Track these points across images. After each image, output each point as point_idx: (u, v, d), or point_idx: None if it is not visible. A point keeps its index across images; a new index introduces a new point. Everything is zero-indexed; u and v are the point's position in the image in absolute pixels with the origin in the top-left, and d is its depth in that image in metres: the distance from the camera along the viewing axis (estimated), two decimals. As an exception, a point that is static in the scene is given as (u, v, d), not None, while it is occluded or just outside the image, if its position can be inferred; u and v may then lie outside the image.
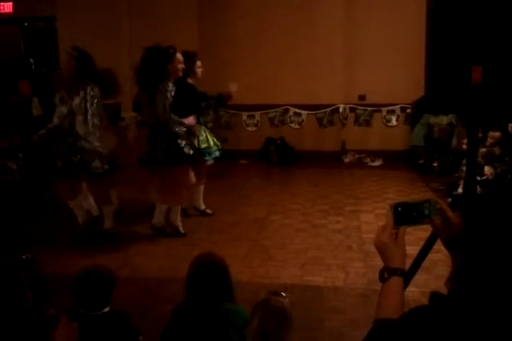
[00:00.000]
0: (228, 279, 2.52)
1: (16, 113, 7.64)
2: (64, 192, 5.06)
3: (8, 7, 9.83)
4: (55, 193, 5.29)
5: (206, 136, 5.49)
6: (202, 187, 5.75)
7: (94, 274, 2.51)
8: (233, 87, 6.05)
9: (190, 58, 5.23)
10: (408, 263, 1.56)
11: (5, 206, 6.38)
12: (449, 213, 1.43)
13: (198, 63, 5.39)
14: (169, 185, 4.90)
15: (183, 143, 4.91)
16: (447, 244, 1.44)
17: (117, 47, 8.49)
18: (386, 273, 1.38)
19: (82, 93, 4.88)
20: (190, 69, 5.21)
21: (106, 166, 4.98)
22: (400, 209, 1.42)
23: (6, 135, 7.65)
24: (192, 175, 5.15)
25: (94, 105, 4.89)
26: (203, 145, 5.42)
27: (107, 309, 2.49)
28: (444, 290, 1.16)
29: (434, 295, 1.12)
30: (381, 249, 1.40)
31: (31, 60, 8.68)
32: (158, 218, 5.19)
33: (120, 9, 8.73)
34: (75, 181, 5.04)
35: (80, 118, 4.90)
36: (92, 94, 4.87)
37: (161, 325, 2.64)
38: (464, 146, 6.43)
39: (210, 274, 2.45)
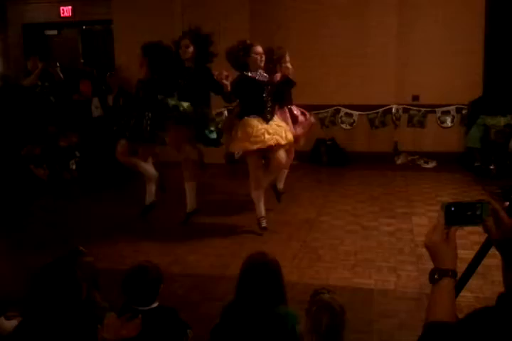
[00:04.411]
0: (281, 280, 2.52)
1: (75, 112, 7.91)
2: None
3: (67, 11, 10.18)
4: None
5: None
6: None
7: (141, 270, 2.57)
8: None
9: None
10: (462, 267, 1.53)
11: (63, 203, 6.63)
12: (502, 214, 1.39)
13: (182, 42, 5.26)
14: None
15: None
16: (499, 246, 1.41)
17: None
18: (437, 274, 1.35)
19: None
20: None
21: None
22: (452, 208, 1.39)
23: (65, 134, 7.93)
24: None
25: None
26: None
27: (155, 304, 2.55)
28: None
29: (502, 296, 1.10)
30: (432, 250, 1.38)
31: (95, 70, 8.98)
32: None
33: (173, 12, 8.88)
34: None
35: None
36: None
37: (210, 321, 2.69)
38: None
39: (263, 275, 2.45)
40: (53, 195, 7.02)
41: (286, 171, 6.03)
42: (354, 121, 8.79)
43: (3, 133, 7.37)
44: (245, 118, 5.09)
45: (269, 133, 5.01)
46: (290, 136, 5.25)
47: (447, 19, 8.17)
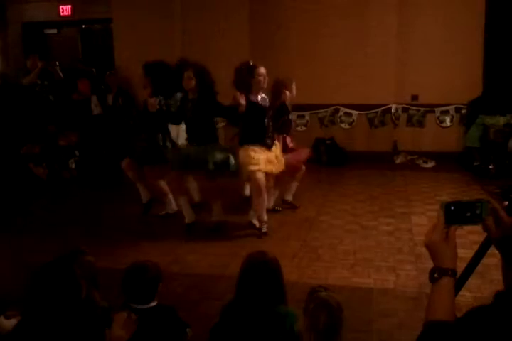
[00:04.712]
0: (281, 279, 2.52)
1: (75, 111, 7.91)
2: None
3: (67, 10, 10.17)
4: None
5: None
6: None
7: (140, 268, 2.58)
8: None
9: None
10: (462, 267, 1.54)
11: (62, 202, 6.63)
12: (502, 213, 1.40)
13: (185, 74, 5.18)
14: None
15: None
16: (498, 244, 1.42)
17: (170, 49, 8.65)
18: (436, 273, 1.36)
19: None
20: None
21: None
22: (452, 208, 1.39)
23: (64, 133, 7.93)
24: None
25: None
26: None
27: (154, 303, 2.55)
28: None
29: (499, 294, 1.10)
30: (431, 249, 1.38)
31: (94, 69, 8.98)
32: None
33: (173, 11, 8.89)
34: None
35: None
36: None
37: (209, 321, 2.69)
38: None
39: (263, 274, 2.45)
40: (53, 194, 7.02)
41: (296, 184, 6.04)
42: (353, 121, 8.79)
43: (2, 132, 7.37)
44: (245, 146, 5.12)
45: (270, 163, 5.15)
46: (283, 165, 5.36)
47: (447, 19, 8.17)
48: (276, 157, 5.29)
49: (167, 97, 5.49)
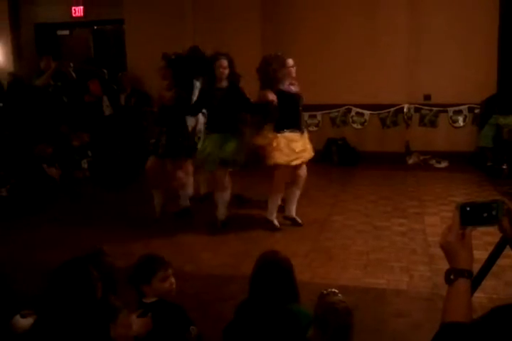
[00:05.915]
0: (293, 279, 2.53)
1: (87, 112, 7.96)
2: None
3: (79, 11, 10.23)
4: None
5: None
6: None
7: (148, 256, 2.66)
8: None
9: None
10: (476, 268, 1.53)
11: (76, 202, 6.67)
12: None
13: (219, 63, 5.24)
14: None
15: None
16: None
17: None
18: (452, 274, 1.35)
19: None
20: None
21: None
22: (468, 209, 1.38)
23: (77, 134, 7.98)
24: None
25: None
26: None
27: (154, 298, 2.56)
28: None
29: None
30: (447, 250, 1.37)
31: (105, 70, 9.01)
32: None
33: (184, 12, 8.91)
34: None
35: None
36: None
37: (222, 320, 2.69)
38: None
39: (275, 273, 2.46)
40: (66, 194, 7.07)
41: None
42: (365, 121, 8.76)
43: (16, 132, 7.43)
44: (286, 132, 5.18)
45: (304, 150, 5.26)
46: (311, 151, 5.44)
47: (460, 18, 8.12)
48: (308, 142, 5.39)
49: (185, 89, 5.57)
